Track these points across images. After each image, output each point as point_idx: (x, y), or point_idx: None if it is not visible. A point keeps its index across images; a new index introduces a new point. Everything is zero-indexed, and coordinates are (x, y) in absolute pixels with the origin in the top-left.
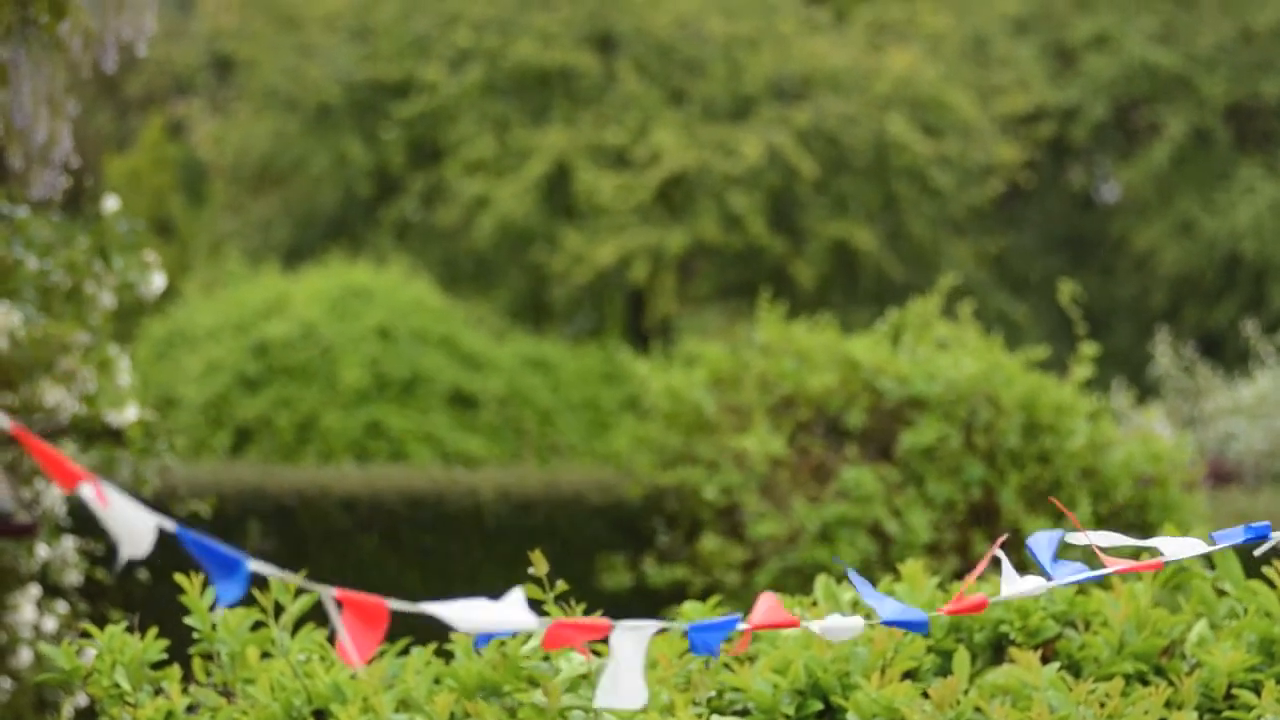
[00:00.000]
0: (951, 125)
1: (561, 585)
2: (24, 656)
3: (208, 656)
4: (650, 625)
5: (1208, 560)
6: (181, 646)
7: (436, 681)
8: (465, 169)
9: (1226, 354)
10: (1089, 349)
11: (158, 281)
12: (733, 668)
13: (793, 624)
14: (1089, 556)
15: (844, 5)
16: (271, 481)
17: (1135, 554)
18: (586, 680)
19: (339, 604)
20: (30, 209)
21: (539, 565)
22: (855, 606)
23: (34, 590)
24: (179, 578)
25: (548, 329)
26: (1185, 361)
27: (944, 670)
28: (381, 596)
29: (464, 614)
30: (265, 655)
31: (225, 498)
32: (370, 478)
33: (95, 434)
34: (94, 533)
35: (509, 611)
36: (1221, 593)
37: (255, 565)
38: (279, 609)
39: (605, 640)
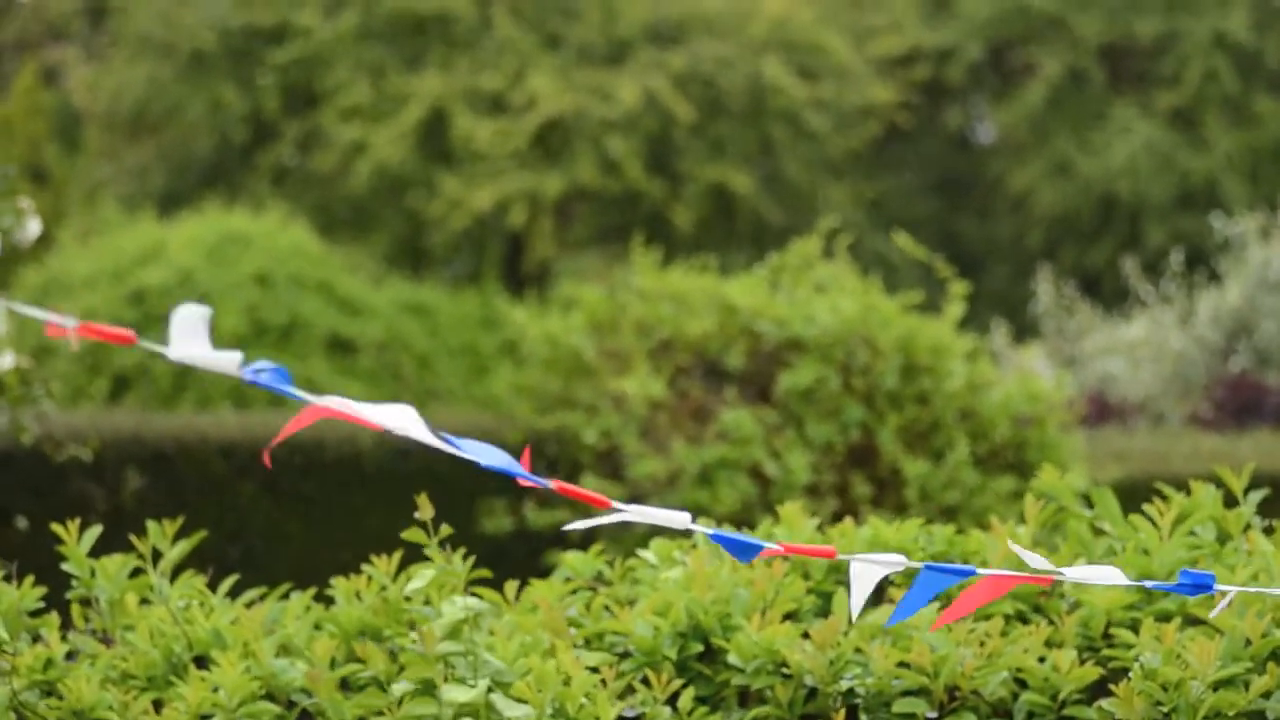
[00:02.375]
0: (827, 68)
1: (446, 529)
2: None
3: (86, 603)
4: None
5: (1086, 499)
6: (59, 594)
7: (317, 627)
8: (341, 115)
9: (1104, 293)
10: (959, 287)
11: (33, 228)
12: (614, 610)
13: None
14: None
15: None
16: (149, 428)
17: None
18: (467, 624)
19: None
20: None
21: (424, 509)
22: None
23: None
24: (56, 526)
25: (425, 274)
26: (1065, 300)
27: (824, 611)
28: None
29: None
30: (144, 601)
31: (103, 444)
32: (248, 424)
33: None
34: None
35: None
36: (1100, 531)
37: None
38: (157, 555)
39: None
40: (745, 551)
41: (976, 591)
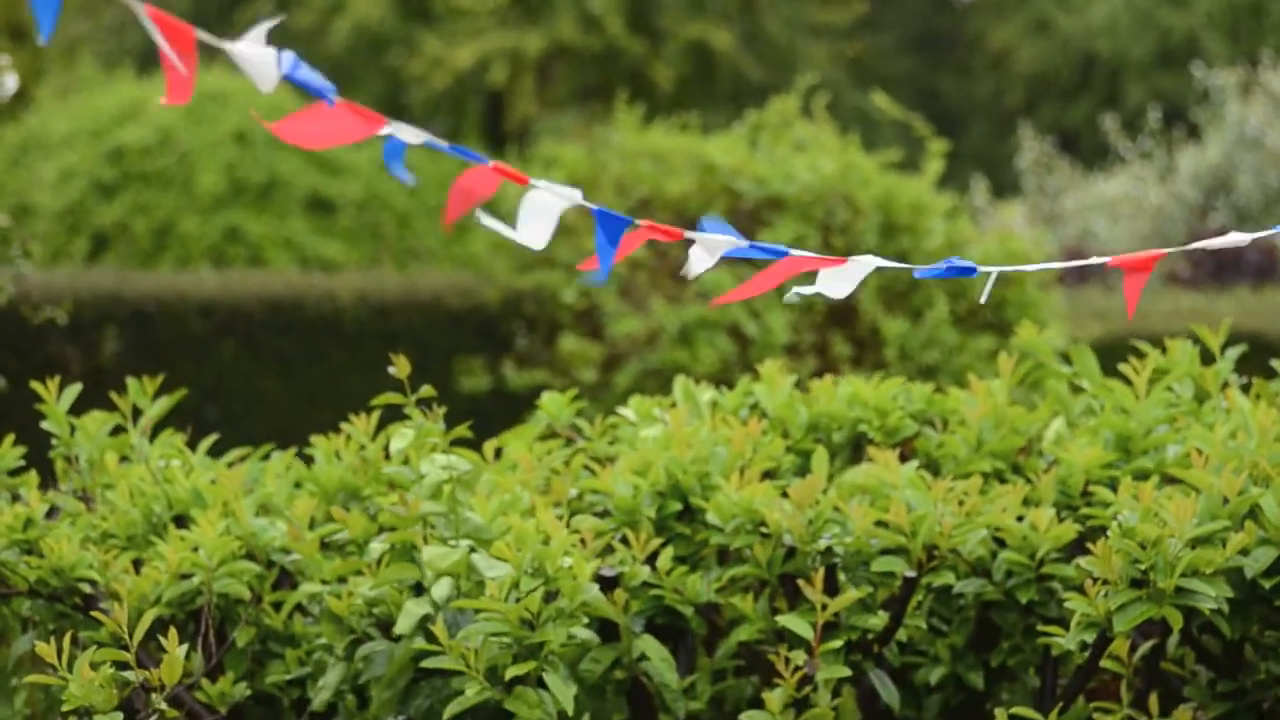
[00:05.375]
0: None
1: (428, 390)
2: None
3: (67, 461)
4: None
5: (1065, 357)
6: (39, 453)
7: (297, 486)
8: None
9: (1084, 151)
10: (938, 145)
11: (10, 83)
12: (593, 470)
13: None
14: None
15: None
16: (128, 287)
17: None
18: (448, 485)
19: (153, 22)
20: None
21: (400, 368)
22: (714, 408)
23: None
24: (35, 384)
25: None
26: (1045, 157)
27: (803, 470)
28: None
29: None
30: (124, 460)
31: (82, 304)
32: (228, 283)
33: None
34: None
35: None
36: (1078, 389)
37: None
38: (137, 413)
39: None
40: None
41: (772, 272)
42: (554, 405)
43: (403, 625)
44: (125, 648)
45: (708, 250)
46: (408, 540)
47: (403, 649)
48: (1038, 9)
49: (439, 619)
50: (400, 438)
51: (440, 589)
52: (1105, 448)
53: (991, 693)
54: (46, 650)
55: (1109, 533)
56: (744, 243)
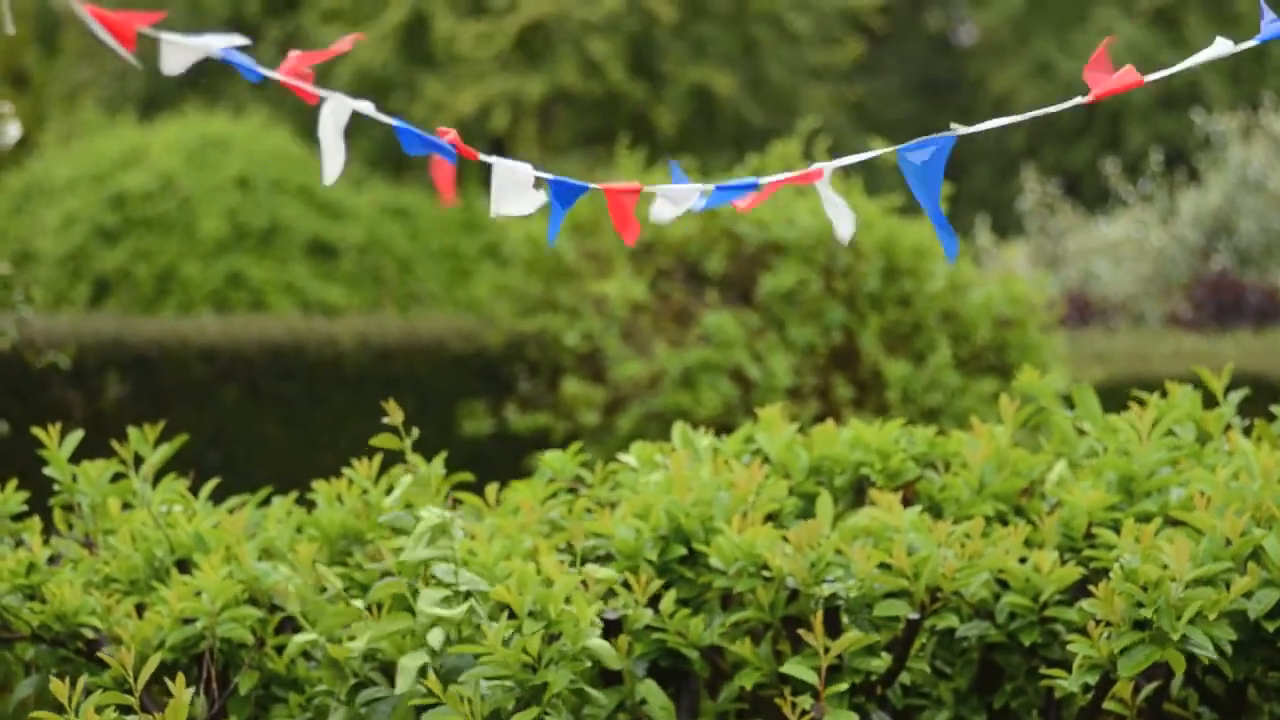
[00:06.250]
0: None
1: (415, 432)
2: None
3: (68, 508)
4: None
5: (1067, 400)
6: (41, 499)
7: (299, 530)
8: (323, 17)
9: (1085, 194)
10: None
11: (12, 131)
12: (595, 514)
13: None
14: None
15: None
16: (130, 332)
17: None
18: (445, 532)
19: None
20: None
21: (394, 415)
22: (715, 453)
23: None
24: (37, 430)
25: (407, 178)
26: (1048, 199)
27: (806, 513)
28: None
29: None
30: (126, 506)
31: (84, 348)
32: (230, 328)
33: None
34: None
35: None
36: (1081, 432)
37: None
38: (139, 460)
39: None
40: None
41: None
42: (557, 461)
43: (402, 685)
44: (129, 692)
45: (673, 200)
46: (401, 592)
47: (404, 697)
48: (1039, 52)
49: (437, 664)
50: (398, 485)
51: (434, 637)
52: (1108, 490)
53: None
54: (60, 688)
55: (1111, 575)
56: (709, 187)
